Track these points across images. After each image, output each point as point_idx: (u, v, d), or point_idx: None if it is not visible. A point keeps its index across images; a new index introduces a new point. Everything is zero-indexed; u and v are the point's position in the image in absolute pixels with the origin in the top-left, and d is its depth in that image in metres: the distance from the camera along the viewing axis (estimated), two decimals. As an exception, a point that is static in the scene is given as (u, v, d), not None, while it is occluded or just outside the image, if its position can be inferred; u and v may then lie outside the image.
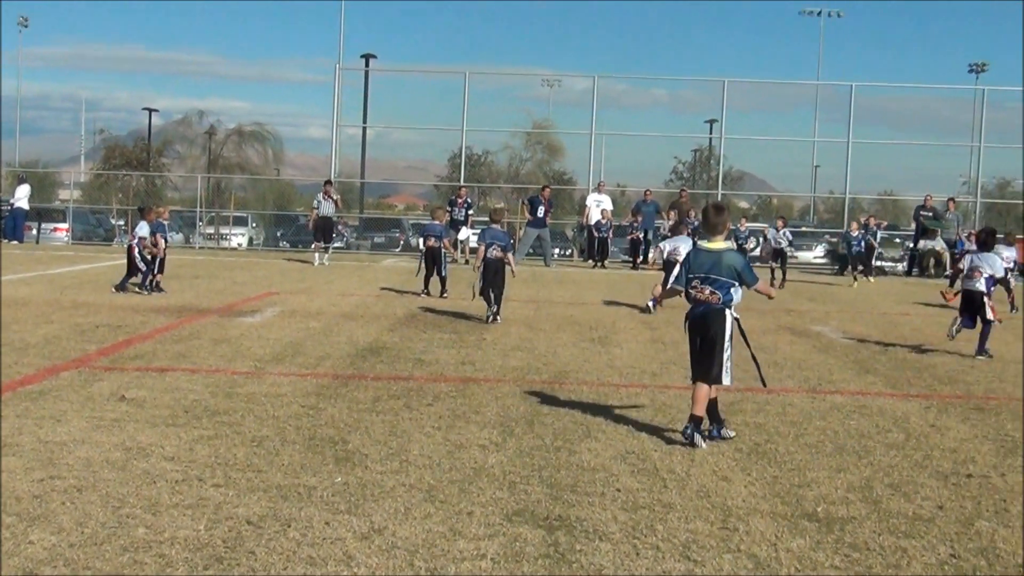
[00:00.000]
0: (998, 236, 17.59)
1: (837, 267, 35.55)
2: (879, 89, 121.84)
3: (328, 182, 32.79)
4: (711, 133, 52.36)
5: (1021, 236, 35.81)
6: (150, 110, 74.71)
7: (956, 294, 16.01)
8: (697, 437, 8.60)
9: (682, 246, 18.13)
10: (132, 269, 19.86)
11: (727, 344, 8.76)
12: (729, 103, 39.03)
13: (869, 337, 16.60)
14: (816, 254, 43.10)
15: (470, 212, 34.62)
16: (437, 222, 21.87)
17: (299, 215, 49.74)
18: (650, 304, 19.41)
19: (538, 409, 9.95)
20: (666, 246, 19.91)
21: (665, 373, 12.40)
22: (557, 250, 44.01)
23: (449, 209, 33.82)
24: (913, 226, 36.64)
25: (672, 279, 9.34)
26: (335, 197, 31.76)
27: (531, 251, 34.09)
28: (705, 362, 8.77)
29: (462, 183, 38.90)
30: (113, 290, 19.51)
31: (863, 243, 30.65)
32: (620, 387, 11.27)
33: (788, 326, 17.57)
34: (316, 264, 30.01)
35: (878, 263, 34.75)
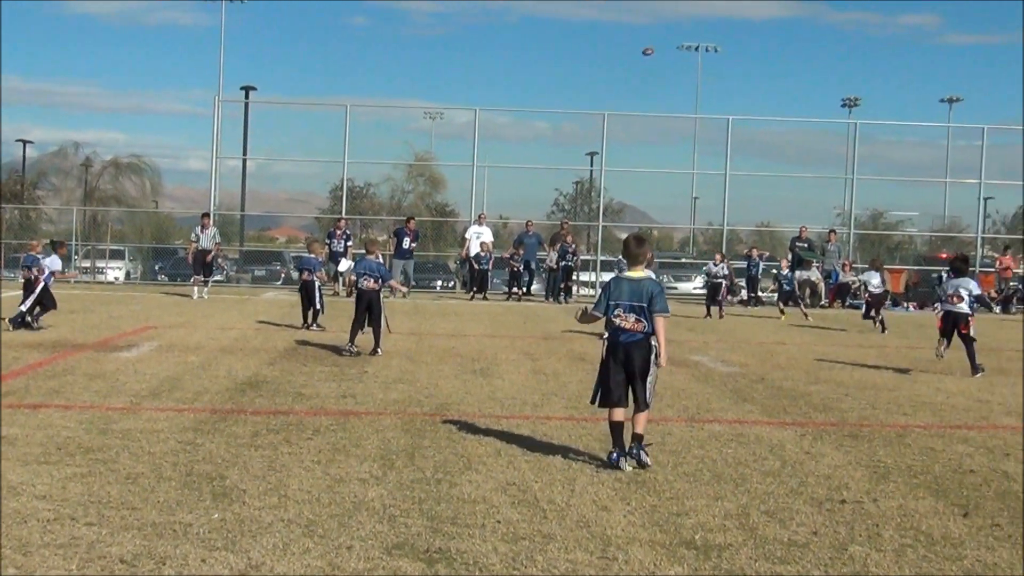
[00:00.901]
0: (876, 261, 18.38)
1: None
2: (756, 122, 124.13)
3: (205, 215, 32.49)
4: (592, 165, 52.90)
5: (896, 266, 36.80)
6: (24, 141, 73.23)
7: (940, 317, 17.06)
8: (643, 455, 9.02)
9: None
10: (48, 303, 19.55)
11: (652, 371, 9.13)
12: (610, 136, 39.47)
13: (747, 366, 16.86)
14: (696, 285, 43.66)
15: (349, 244, 34.50)
16: (313, 255, 21.76)
17: (178, 248, 49.10)
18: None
19: (419, 442, 9.93)
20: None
21: (547, 404, 12.46)
22: (440, 282, 44.10)
23: (328, 241, 33.71)
24: (789, 256, 37.30)
25: (592, 305, 9.49)
26: (213, 230, 31.50)
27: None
28: (637, 391, 9.11)
29: (343, 215, 38.73)
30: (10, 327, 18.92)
31: (756, 271, 31.16)
32: (501, 418, 11.30)
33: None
34: (195, 298, 29.64)
35: (760, 293, 35.41)
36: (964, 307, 16.54)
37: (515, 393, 13.24)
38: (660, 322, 9.18)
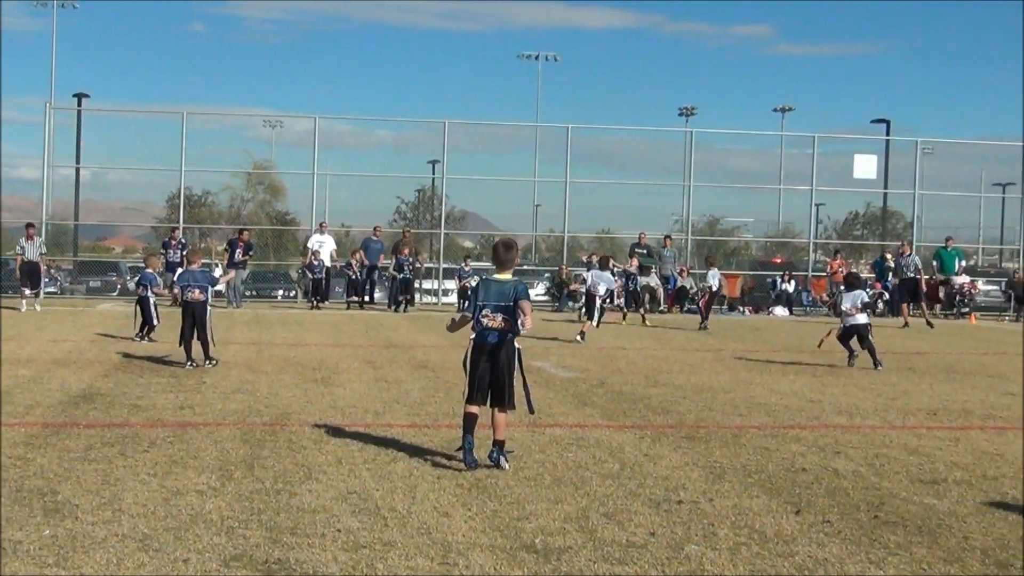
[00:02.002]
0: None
1: (557, 304, 36.34)
2: (596, 130, 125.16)
3: (30, 225, 31.70)
4: (434, 173, 52.87)
5: (732, 271, 37.54)
6: None
7: (828, 334, 19.18)
8: (503, 460, 9.21)
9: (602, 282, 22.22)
10: None
11: (516, 372, 9.38)
12: (451, 144, 39.52)
13: (588, 371, 17.05)
14: (537, 291, 43.97)
15: (184, 253, 33.98)
16: (150, 270, 21.34)
17: (9, 259, 47.66)
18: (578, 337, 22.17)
19: (258, 452, 9.82)
20: (588, 278, 23.18)
21: (388, 412, 12.42)
22: (281, 292, 43.66)
23: (163, 252, 33.16)
24: (631, 262, 37.79)
25: (464, 308, 9.74)
26: (38, 240, 30.79)
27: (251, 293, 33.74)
28: (498, 389, 9.30)
29: (180, 224, 38.09)
30: None
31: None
32: (343, 427, 11.22)
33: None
34: (24, 310, 28.79)
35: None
36: (864, 318, 18.57)
37: (356, 401, 13.17)
38: (525, 304, 9.44)
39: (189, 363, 16.23)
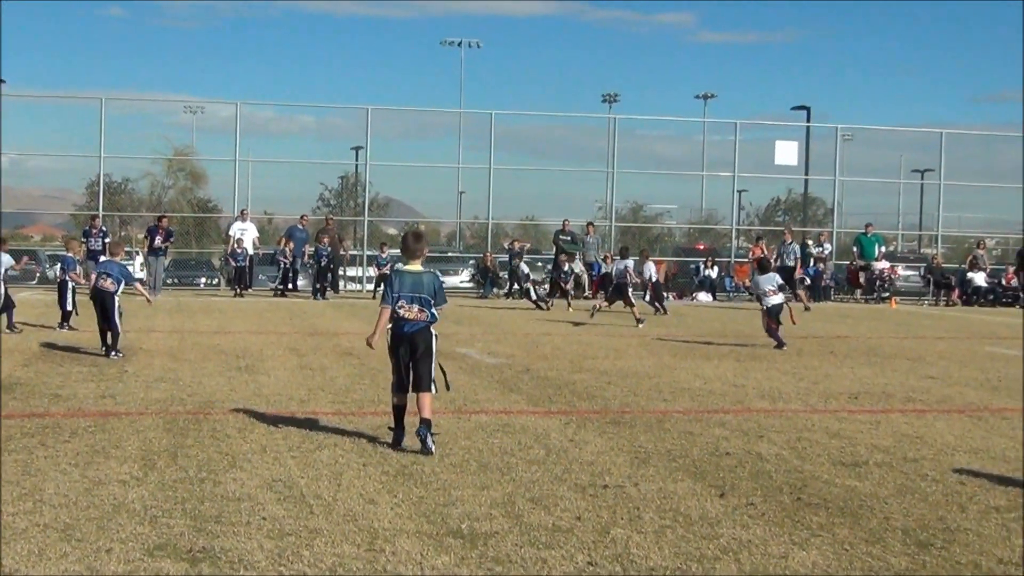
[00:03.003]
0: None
1: (481, 291, 36.35)
2: (519, 117, 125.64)
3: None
4: (357, 160, 52.56)
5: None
6: None
7: (766, 312, 19.42)
8: (429, 439, 9.38)
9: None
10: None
11: (434, 357, 9.76)
12: (375, 130, 39.38)
13: (513, 357, 17.07)
14: (462, 278, 43.99)
15: (107, 241, 33.59)
16: (70, 254, 21.08)
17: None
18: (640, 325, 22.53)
19: (182, 441, 9.73)
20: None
21: (313, 399, 12.37)
22: (204, 280, 43.27)
23: (84, 240, 32.75)
24: (554, 250, 37.88)
25: (382, 301, 9.87)
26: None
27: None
28: (421, 373, 9.65)
29: (99, 212, 37.60)
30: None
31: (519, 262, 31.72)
32: (267, 415, 11.15)
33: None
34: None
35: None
36: (780, 298, 19.41)
37: (281, 389, 13.10)
38: (444, 308, 9.96)
39: (104, 349, 16.07)
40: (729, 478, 8.74)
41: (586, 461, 9.26)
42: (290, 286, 34.44)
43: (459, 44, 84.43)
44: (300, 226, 36.06)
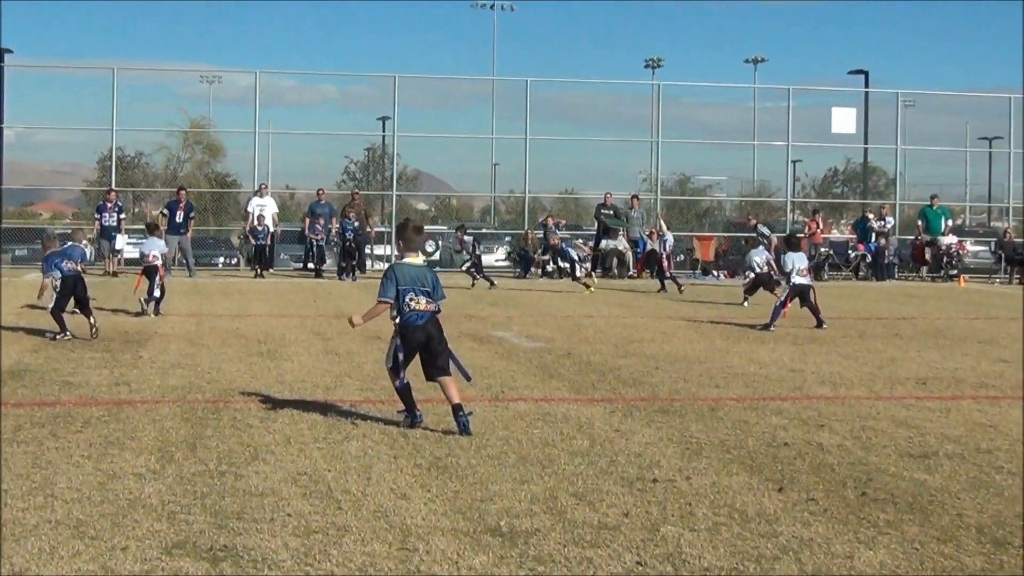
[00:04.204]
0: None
1: (519, 271, 36.31)
2: (557, 84, 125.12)
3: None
4: (384, 131, 52.56)
5: (705, 233, 37.55)
6: None
7: (790, 291, 19.76)
8: (467, 420, 9.81)
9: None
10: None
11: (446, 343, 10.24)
12: (402, 100, 39.40)
13: (553, 341, 17.04)
14: (497, 256, 43.85)
15: (122, 217, 33.77)
16: (77, 244, 21.09)
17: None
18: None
19: (201, 432, 9.75)
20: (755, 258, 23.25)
21: (340, 386, 12.37)
22: (222, 259, 43.32)
23: (98, 216, 32.97)
24: (595, 225, 37.77)
25: (380, 295, 10.18)
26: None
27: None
28: (439, 360, 10.08)
29: (112, 187, 37.73)
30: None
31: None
32: (291, 403, 11.16)
33: (469, 332, 17.83)
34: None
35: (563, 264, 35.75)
36: (808, 279, 19.98)
37: (305, 376, 13.11)
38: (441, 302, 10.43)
39: (61, 335, 16.24)
40: (788, 471, 8.67)
41: (633, 453, 9.21)
42: (320, 264, 34.28)
43: (491, 6, 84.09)
44: (319, 200, 36.07)
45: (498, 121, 50.12)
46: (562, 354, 15.52)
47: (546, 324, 19.91)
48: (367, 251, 36.87)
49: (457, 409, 9.83)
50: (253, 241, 34.09)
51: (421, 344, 10.09)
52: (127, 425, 9.98)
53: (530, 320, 20.64)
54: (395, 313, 10.09)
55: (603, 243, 36.07)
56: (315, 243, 34.22)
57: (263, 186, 35.92)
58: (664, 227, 32.33)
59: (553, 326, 19.55)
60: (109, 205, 33.17)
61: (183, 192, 34.54)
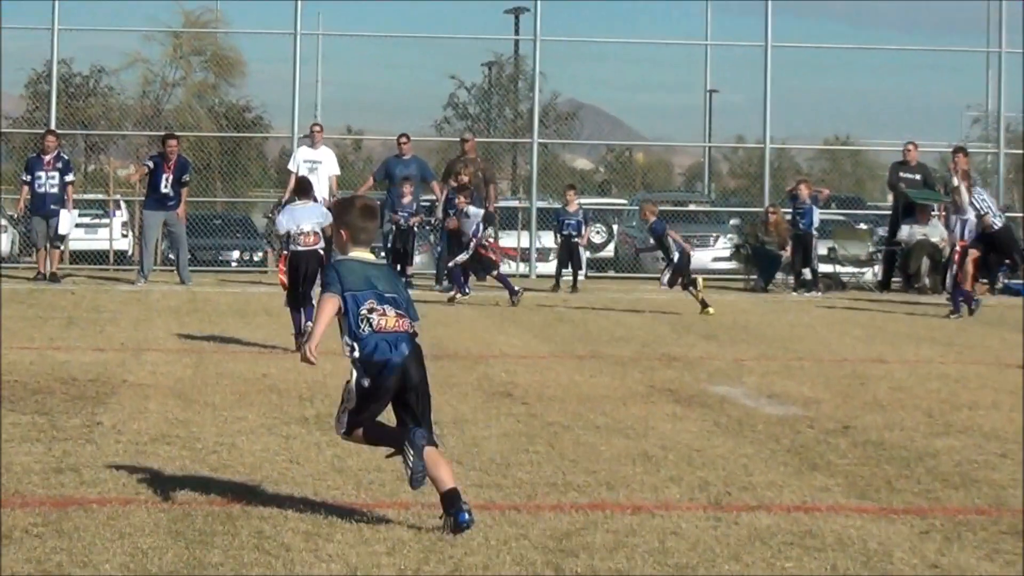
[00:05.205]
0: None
1: (754, 279, 36.16)
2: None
3: None
4: (518, 32, 52.70)
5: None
6: None
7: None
8: (469, 515, 10.13)
9: None
10: None
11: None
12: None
13: (818, 404, 16.89)
14: (717, 252, 43.35)
15: (68, 179, 33.73)
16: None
17: None
18: None
19: (202, 557, 9.78)
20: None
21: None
22: (237, 252, 43.53)
23: (27, 179, 33.55)
24: (889, 200, 37.50)
25: (325, 288, 10.61)
26: None
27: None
28: (420, 419, 10.50)
29: (51, 127, 38.10)
30: None
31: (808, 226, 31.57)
32: (356, 510, 11.19)
33: (667, 386, 17.76)
34: None
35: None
36: None
37: (382, 461, 13.02)
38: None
39: None
40: None
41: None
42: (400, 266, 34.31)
43: None
44: (401, 154, 35.71)
45: (715, 17, 49.60)
46: (833, 428, 15.39)
47: (805, 373, 19.80)
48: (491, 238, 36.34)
49: (450, 498, 10.10)
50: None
51: (398, 388, 10.37)
52: (75, 543, 10.01)
53: (775, 365, 20.54)
54: (348, 341, 10.38)
55: (904, 231, 35.68)
56: (396, 227, 33.70)
57: (314, 128, 35.75)
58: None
59: (817, 377, 19.42)
60: (46, 159, 33.51)
61: (174, 142, 34.52)
